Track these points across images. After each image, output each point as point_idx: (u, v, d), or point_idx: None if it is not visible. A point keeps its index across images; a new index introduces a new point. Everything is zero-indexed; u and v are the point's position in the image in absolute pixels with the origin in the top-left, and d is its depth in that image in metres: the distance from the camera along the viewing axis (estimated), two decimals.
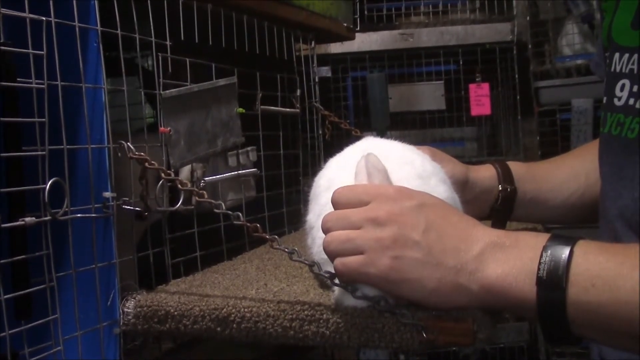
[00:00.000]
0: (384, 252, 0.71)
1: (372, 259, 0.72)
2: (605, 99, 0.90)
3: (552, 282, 0.66)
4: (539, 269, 0.67)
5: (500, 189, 1.06)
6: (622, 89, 0.86)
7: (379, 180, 0.78)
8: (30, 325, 0.80)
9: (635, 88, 0.84)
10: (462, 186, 1.01)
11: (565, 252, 0.67)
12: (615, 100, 0.87)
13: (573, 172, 1.08)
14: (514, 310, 0.73)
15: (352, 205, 0.75)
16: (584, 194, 1.07)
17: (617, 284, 0.65)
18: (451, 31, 2.58)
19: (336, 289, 0.79)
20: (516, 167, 1.09)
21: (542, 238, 0.70)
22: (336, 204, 0.77)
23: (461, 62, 2.61)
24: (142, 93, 1.03)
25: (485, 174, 1.07)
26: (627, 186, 0.86)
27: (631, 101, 0.84)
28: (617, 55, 0.87)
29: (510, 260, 0.69)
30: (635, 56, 0.83)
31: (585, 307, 0.66)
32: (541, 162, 1.17)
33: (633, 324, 0.64)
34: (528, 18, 2.62)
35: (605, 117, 0.90)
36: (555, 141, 2.58)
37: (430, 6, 2.65)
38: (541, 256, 0.68)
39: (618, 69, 0.87)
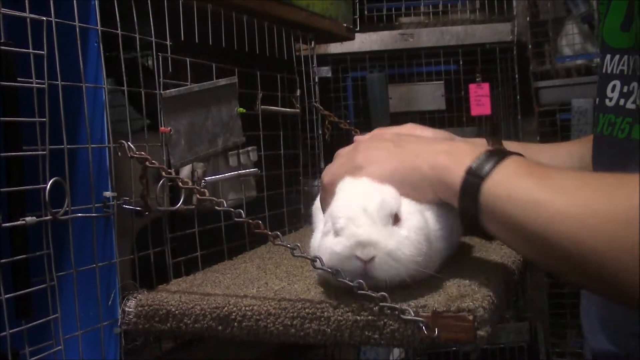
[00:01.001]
0: (357, 152, 0.88)
1: (349, 157, 0.89)
2: (597, 99, 0.91)
3: (476, 172, 0.77)
4: (472, 162, 0.78)
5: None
6: (612, 90, 0.87)
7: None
8: (30, 324, 0.80)
9: (625, 89, 0.85)
10: None
11: (495, 160, 0.77)
12: (607, 100, 0.88)
13: (568, 153, 1.11)
14: (445, 191, 0.81)
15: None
16: None
17: (517, 187, 0.75)
18: (451, 31, 2.58)
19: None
20: (509, 144, 1.09)
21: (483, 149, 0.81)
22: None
23: (461, 62, 2.61)
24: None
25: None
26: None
27: (622, 102, 0.85)
28: (608, 56, 0.88)
29: (457, 158, 0.81)
30: (625, 57, 0.84)
31: (492, 200, 0.75)
32: (537, 144, 1.19)
33: (525, 224, 0.72)
34: (528, 18, 2.62)
35: (597, 117, 0.91)
36: (555, 141, 2.58)
37: (430, 6, 2.65)
38: (478, 156, 0.79)
39: (609, 70, 0.88)
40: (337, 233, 0.78)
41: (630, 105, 0.84)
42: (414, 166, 0.83)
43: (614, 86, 0.87)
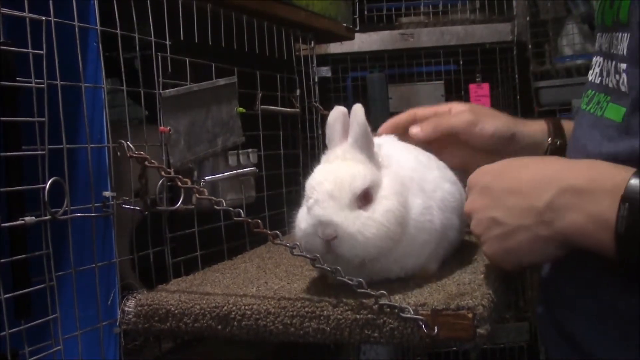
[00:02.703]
0: (480, 240, 0.82)
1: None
2: (599, 79, 0.91)
3: (631, 239, 0.64)
4: (617, 222, 0.65)
5: (550, 142, 1.07)
6: (604, 69, 0.87)
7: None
8: (30, 324, 0.80)
9: (608, 65, 0.84)
10: (507, 141, 1.05)
11: None
12: (603, 80, 0.87)
13: None
14: (597, 254, 0.71)
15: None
16: None
17: None
18: (451, 31, 2.58)
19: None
20: (568, 124, 1.09)
21: (619, 181, 0.66)
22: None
23: (461, 62, 2.60)
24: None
25: (535, 127, 1.09)
26: (578, 158, 0.87)
27: (606, 80, 0.85)
28: (604, 35, 0.88)
29: (587, 208, 0.68)
30: (611, 33, 0.84)
31: None
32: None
33: None
34: (528, 18, 2.61)
35: (593, 96, 0.91)
36: None
37: (430, 6, 2.65)
38: (619, 209, 0.65)
39: (603, 49, 0.88)
40: (307, 210, 0.82)
41: (610, 83, 0.84)
42: (541, 239, 0.74)
43: (600, 63, 0.86)
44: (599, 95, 0.88)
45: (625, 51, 0.78)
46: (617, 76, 0.81)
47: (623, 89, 0.78)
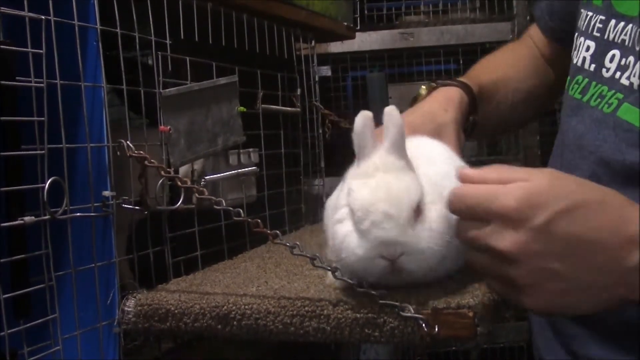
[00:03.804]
0: (522, 291, 0.66)
1: (513, 295, 0.68)
2: (593, 66, 0.86)
3: None
4: None
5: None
6: (611, 60, 0.82)
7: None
8: (29, 324, 0.80)
9: (623, 61, 0.81)
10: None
11: None
12: (604, 70, 0.84)
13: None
14: None
15: (470, 217, 0.69)
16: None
17: None
18: (451, 30, 2.57)
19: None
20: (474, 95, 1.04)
21: None
22: (453, 211, 0.71)
23: (461, 62, 2.60)
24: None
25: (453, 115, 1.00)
26: (586, 157, 0.84)
27: (617, 74, 0.81)
28: (613, 21, 0.83)
29: None
30: (630, 26, 0.80)
31: None
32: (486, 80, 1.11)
33: None
34: (528, 17, 2.61)
35: (588, 84, 0.86)
36: (555, 141, 2.57)
37: (430, 5, 2.64)
38: None
39: (611, 37, 0.83)
40: (361, 234, 0.73)
41: (624, 80, 0.80)
42: (618, 298, 0.65)
43: (613, 56, 0.82)
44: (600, 86, 0.84)
45: None
46: None
47: None
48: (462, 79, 1.06)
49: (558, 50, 1.10)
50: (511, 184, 0.65)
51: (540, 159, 2.52)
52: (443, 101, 0.98)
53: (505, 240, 0.64)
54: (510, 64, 1.15)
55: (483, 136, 1.14)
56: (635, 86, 0.78)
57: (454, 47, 2.58)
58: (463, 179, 0.70)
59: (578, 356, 0.89)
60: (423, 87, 1.05)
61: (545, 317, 0.76)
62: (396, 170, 0.75)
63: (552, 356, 0.93)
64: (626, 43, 0.80)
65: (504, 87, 1.12)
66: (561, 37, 1.06)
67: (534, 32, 1.15)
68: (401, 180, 0.74)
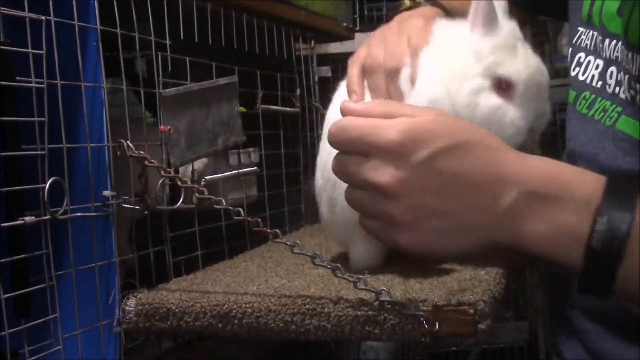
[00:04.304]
0: (399, 229, 0.66)
1: (389, 234, 0.67)
2: (600, 83, 0.89)
3: (606, 256, 0.59)
4: (591, 237, 0.59)
5: None
6: (611, 76, 0.85)
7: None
8: (29, 324, 0.80)
9: (619, 76, 0.83)
10: None
11: (625, 220, 0.58)
12: (607, 87, 0.86)
13: None
14: (552, 263, 0.65)
15: (349, 151, 0.67)
16: None
17: None
18: None
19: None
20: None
21: (591, 190, 0.61)
22: (333, 144, 0.68)
23: None
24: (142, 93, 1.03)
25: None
26: (588, 165, 0.86)
27: (617, 90, 0.84)
28: (607, 40, 0.87)
29: (554, 218, 0.61)
30: (620, 44, 0.82)
31: (636, 279, 0.58)
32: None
33: None
34: None
35: (594, 100, 0.89)
36: (554, 141, 2.57)
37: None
38: (595, 222, 0.59)
39: (608, 55, 0.86)
40: (521, 105, 0.77)
41: (622, 95, 0.83)
42: (490, 244, 0.66)
43: (612, 72, 0.85)
44: (604, 101, 0.87)
45: (639, 72, 0.76)
46: (632, 91, 0.79)
47: None
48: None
49: (525, 14, 1.13)
50: (396, 119, 0.64)
51: None
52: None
53: (385, 175, 0.63)
54: None
55: None
56: (629, 99, 0.81)
57: None
58: (346, 111, 0.68)
59: (593, 351, 0.90)
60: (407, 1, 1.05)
61: (419, 258, 0.70)
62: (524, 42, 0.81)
63: (569, 351, 0.94)
64: (619, 59, 0.83)
65: None
66: (537, 7, 1.10)
67: None
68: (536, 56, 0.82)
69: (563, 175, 0.64)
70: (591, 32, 0.91)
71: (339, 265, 0.78)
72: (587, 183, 0.63)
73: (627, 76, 0.81)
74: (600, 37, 0.88)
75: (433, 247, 0.67)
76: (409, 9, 1.02)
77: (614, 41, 0.85)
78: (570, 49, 0.96)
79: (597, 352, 0.89)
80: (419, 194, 0.63)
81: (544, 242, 0.62)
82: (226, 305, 0.82)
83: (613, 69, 0.85)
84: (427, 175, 0.62)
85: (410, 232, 0.66)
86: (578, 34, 0.94)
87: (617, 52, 0.83)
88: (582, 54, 0.92)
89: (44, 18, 0.83)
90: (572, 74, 0.95)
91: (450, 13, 1.03)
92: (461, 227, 0.64)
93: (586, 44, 0.92)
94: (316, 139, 1.53)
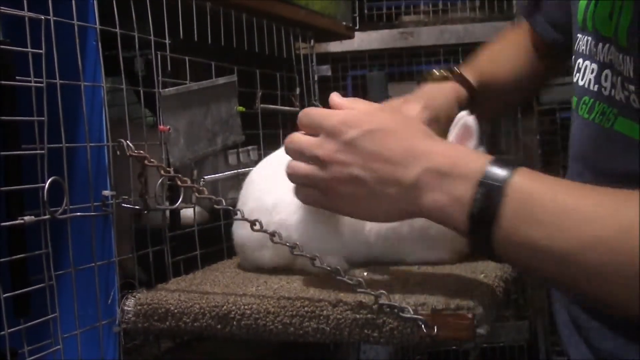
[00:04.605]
0: (328, 190, 0.80)
1: (320, 199, 0.82)
2: (596, 86, 0.91)
3: (483, 221, 0.70)
4: (472, 205, 0.70)
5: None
6: (606, 79, 0.87)
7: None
8: (29, 323, 0.80)
9: (613, 79, 0.85)
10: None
11: (499, 190, 0.69)
12: (603, 90, 0.88)
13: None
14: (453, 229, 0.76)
15: (309, 130, 0.83)
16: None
17: (540, 223, 0.67)
18: (451, 30, 2.57)
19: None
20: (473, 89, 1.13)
21: (477, 166, 0.72)
22: (300, 125, 0.85)
23: (461, 61, 2.60)
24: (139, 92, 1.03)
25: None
26: (588, 167, 0.89)
27: (612, 92, 0.85)
28: (600, 44, 0.88)
29: (448, 190, 0.73)
30: (612, 47, 0.84)
31: (511, 243, 0.69)
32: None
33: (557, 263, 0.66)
34: None
35: (593, 104, 0.91)
36: (555, 140, 2.58)
37: (430, 5, 2.64)
38: (475, 192, 0.70)
39: (601, 59, 0.88)
40: None
41: (617, 96, 0.84)
42: (401, 210, 0.78)
43: (607, 75, 0.87)
44: (602, 105, 0.88)
45: (631, 73, 0.78)
46: (626, 92, 0.81)
47: (635, 106, 0.79)
48: (467, 74, 1.15)
49: (554, 50, 1.18)
50: (343, 110, 0.81)
51: (540, 158, 2.52)
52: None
53: (322, 149, 0.79)
54: (508, 58, 1.25)
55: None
56: (624, 100, 0.82)
57: (454, 46, 2.58)
58: (329, 101, 0.85)
59: (596, 349, 0.90)
60: (437, 72, 1.15)
61: (338, 212, 0.86)
62: None
63: (574, 349, 0.95)
64: (612, 62, 0.84)
65: (502, 84, 1.22)
66: (561, 43, 1.12)
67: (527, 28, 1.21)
68: None
69: (458, 156, 0.75)
70: (586, 37, 0.92)
71: (338, 267, 0.78)
72: (478, 160, 0.73)
73: (619, 78, 0.82)
74: (594, 42, 0.89)
75: (356, 210, 0.81)
76: (437, 79, 1.13)
77: (607, 44, 0.86)
78: (573, 56, 0.97)
79: (598, 350, 0.89)
80: (346, 165, 0.78)
81: (439, 211, 0.73)
82: (225, 307, 0.82)
83: (607, 72, 0.86)
84: (353, 151, 0.78)
85: (337, 197, 0.80)
86: (577, 41, 0.95)
87: (610, 55, 0.84)
88: (581, 60, 0.94)
89: (43, 17, 0.82)
90: (574, 80, 0.97)
91: (474, 92, 1.13)
92: (377, 194, 0.77)
93: (582, 50, 0.93)
94: None
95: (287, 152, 0.85)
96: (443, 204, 0.73)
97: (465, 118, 0.94)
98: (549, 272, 0.69)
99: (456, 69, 1.14)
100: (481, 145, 1.00)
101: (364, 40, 2.53)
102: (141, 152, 0.91)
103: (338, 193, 0.79)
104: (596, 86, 0.90)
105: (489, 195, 0.69)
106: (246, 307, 0.81)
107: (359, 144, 0.77)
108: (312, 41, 1.53)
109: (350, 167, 0.77)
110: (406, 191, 0.75)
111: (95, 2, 0.90)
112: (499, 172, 0.70)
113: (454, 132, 0.94)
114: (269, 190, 0.97)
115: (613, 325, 0.86)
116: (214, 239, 1.15)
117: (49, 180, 0.81)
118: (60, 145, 0.85)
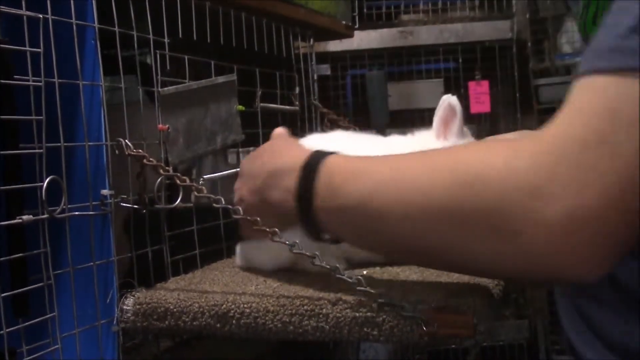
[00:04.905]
0: (246, 205, 0.88)
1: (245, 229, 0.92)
2: None
3: (305, 198, 0.77)
4: (297, 189, 0.78)
5: None
6: None
7: None
8: (28, 323, 0.80)
9: None
10: None
11: (314, 170, 0.77)
12: None
13: None
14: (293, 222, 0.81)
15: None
16: None
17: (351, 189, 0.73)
18: (450, 29, 2.57)
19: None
20: None
21: (304, 156, 0.79)
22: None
23: (461, 60, 2.60)
24: (141, 91, 1.03)
25: None
26: None
27: None
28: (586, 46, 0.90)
29: (282, 184, 0.81)
30: None
31: (329, 214, 0.75)
32: None
33: (372, 220, 0.71)
34: (528, 15, 2.61)
35: None
36: None
37: (430, 4, 2.64)
38: (299, 178, 0.78)
39: None
40: None
41: None
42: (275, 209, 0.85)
43: None
44: None
45: None
46: None
47: None
48: None
49: None
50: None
51: None
52: None
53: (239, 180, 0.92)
54: None
55: None
56: None
57: (454, 45, 2.58)
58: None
59: (600, 337, 0.90)
60: None
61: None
62: None
63: (575, 336, 0.94)
64: None
65: None
66: None
67: None
68: None
69: (299, 155, 0.81)
70: (580, 39, 0.93)
71: (338, 265, 0.78)
72: (304, 154, 0.80)
73: None
74: (584, 44, 0.90)
75: (276, 225, 0.85)
76: None
77: None
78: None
79: (604, 339, 0.89)
80: (248, 181, 0.88)
81: (280, 205, 0.81)
82: (224, 305, 0.82)
83: None
84: (251, 172, 0.88)
85: (249, 207, 0.87)
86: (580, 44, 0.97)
87: None
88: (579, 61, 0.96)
89: (41, 16, 0.82)
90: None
91: None
92: (265, 201, 0.84)
93: (579, 51, 0.95)
94: None
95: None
96: (279, 197, 0.81)
97: (449, 99, 0.97)
98: (362, 231, 0.73)
99: None
100: (466, 125, 1.03)
101: (363, 39, 2.53)
102: (140, 151, 0.91)
103: (248, 205, 0.87)
104: None
105: (307, 177, 0.77)
106: (245, 305, 0.81)
107: (252, 166, 0.89)
108: (311, 40, 1.53)
109: (251, 183, 0.87)
110: (259, 195, 0.85)
111: (94, 1, 0.90)
112: (317, 157, 0.78)
113: (438, 113, 0.95)
114: None
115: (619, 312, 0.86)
116: (213, 238, 1.14)
117: (48, 180, 0.81)
118: (59, 144, 0.85)
